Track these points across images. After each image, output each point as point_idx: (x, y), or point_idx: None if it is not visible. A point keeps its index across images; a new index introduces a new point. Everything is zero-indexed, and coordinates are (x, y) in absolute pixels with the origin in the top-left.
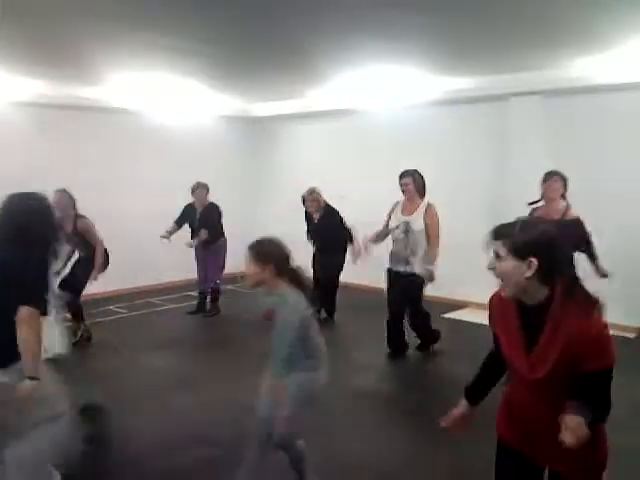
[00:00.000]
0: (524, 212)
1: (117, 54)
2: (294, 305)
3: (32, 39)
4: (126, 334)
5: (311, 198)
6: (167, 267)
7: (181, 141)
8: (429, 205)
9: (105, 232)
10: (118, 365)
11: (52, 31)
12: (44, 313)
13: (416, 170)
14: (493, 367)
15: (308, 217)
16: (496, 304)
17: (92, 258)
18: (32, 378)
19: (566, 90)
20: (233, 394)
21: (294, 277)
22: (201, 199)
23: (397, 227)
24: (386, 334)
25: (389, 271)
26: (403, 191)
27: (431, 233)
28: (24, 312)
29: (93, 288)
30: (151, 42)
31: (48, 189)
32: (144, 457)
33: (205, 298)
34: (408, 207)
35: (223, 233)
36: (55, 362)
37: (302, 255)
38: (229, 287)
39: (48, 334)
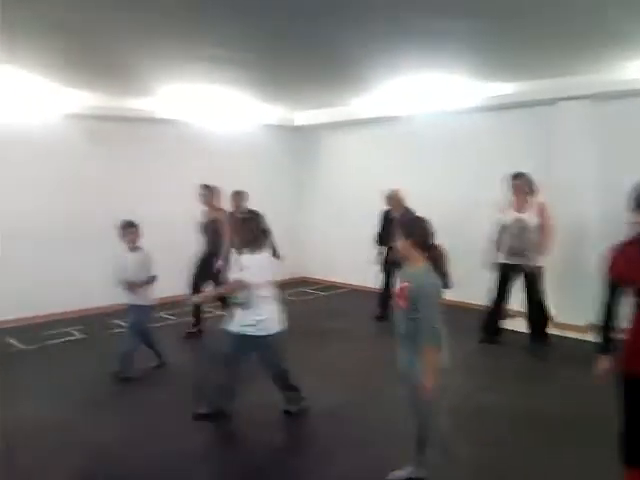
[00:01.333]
0: (571, 218)
1: (164, 66)
2: (434, 279)
3: (84, 53)
4: None
5: (395, 198)
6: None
7: (226, 150)
8: (541, 203)
9: (153, 239)
10: None
11: (102, 45)
12: None
13: (525, 173)
14: (612, 317)
15: (386, 218)
16: (617, 252)
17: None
18: None
19: (617, 94)
20: None
21: (433, 253)
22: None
23: (512, 223)
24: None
25: (502, 264)
26: (514, 191)
27: (545, 229)
28: None
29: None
30: (197, 53)
31: (99, 197)
32: None
33: None
34: (519, 205)
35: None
36: None
37: (354, 256)
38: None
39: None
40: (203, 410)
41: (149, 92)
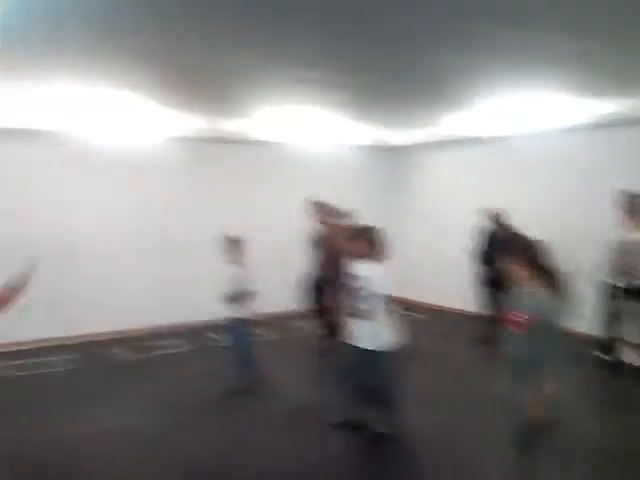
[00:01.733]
0: None
1: (261, 89)
2: (557, 304)
3: (185, 77)
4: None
5: (499, 217)
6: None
7: (320, 170)
8: None
9: (254, 256)
10: None
11: (204, 69)
12: None
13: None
14: None
15: (491, 238)
16: None
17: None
18: None
19: None
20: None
21: (548, 275)
22: None
23: (622, 243)
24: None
25: (610, 285)
26: (626, 209)
27: None
28: None
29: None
30: (292, 75)
31: (200, 215)
32: None
33: None
34: (631, 224)
35: None
36: None
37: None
38: None
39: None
40: (337, 419)
41: (246, 114)
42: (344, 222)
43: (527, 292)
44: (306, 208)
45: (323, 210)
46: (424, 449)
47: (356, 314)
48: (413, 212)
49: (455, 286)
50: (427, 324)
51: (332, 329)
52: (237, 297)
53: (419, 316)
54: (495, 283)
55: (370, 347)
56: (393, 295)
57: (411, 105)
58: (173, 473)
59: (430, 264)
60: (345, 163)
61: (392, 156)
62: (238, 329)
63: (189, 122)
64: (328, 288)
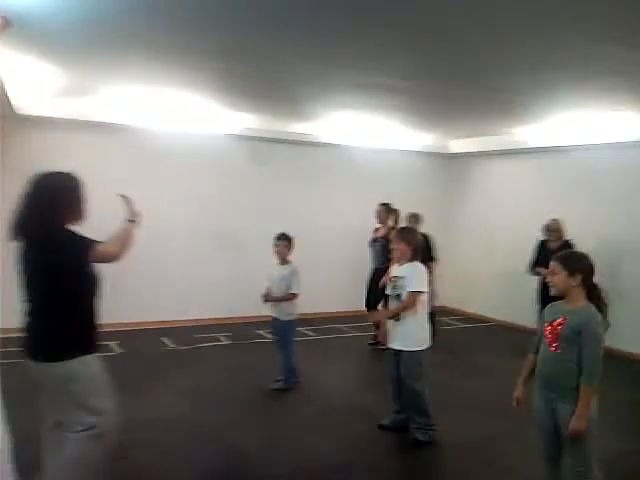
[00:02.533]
0: None
1: (325, 94)
2: (598, 318)
3: (256, 80)
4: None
5: (555, 228)
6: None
7: (377, 175)
8: None
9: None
10: None
11: (275, 73)
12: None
13: None
14: None
15: (543, 248)
16: None
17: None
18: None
19: None
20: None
21: (595, 292)
22: None
23: None
24: None
25: None
26: None
27: None
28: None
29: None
30: (355, 81)
31: (257, 213)
32: None
33: None
34: None
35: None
36: None
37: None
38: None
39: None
40: (385, 422)
41: (308, 118)
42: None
43: (569, 305)
44: (376, 211)
45: (387, 211)
46: (463, 458)
47: (392, 315)
48: (468, 220)
49: (506, 297)
50: (472, 334)
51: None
52: (285, 297)
53: (464, 325)
54: (550, 295)
55: (402, 348)
56: (442, 303)
57: (475, 113)
58: (211, 462)
59: (481, 274)
60: (403, 169)
61: (450, 163)
62: (284, 327)
63: (251, 122)
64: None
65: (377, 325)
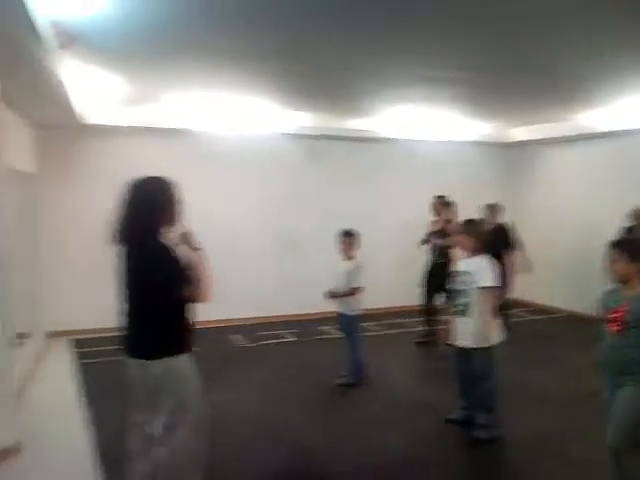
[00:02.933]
0: None
1: (382, 87)
2: None
3: (305, 77)
4: None
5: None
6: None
7: (435, 168)
8: None
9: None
10: None
11: (321, 69)
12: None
13: None
14: None
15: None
16: None
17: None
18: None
19: None
20: None
21: None
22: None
23: None
24: None
25: None
26: None
27: None
28: None
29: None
30: (413, 74)
31: (318, 211)
32: None
33: None
34: None
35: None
36: None
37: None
38: None
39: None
40: (453, 416)
41: (364, 113)
42: (488, 219)
43: (631, 291)
44: (431, 204)
45: (443, 205)
46: (531, 451)
47: (458, 311)
48: (532, 209)
49: (575, 288)
50: (542, 326)
51: (431, 326)
52: (349, 292)
53: (533, 317)
54: None
55: (473, 346)
56: (504, 295)
57: (535, 101)
58: (278, 459)
59: (549, 265)
60: (462, 160)
61: (510, 152)
62: (349, 322)
63: (308, 120)
64: (440, 284)
65: (429, 322)
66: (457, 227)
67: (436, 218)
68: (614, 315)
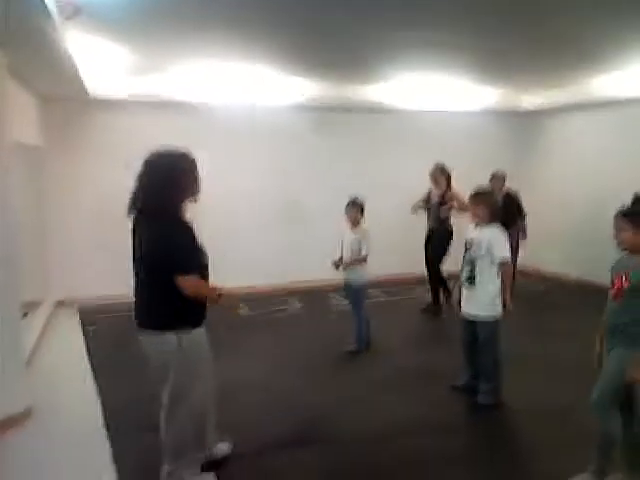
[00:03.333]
0: None
1: (391, 55)
2: None
3: (309, 45)
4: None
5: None
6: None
7: (444, 138)
8: None
9: (378, 223)
10: None
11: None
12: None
13: None
14: None
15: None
16: None
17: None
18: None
19: None
20: None
21: None
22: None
23: None
24: None
25: None
26: None
27: None
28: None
29: None
30: (423, 40)
31: (324, 180)
32: None
33: None
34: None
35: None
36: None
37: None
38: None
39: None
40: (458, 383)
41: (373, 82)
42: (495, 189)
43: (634, 257)
44: (432, 172)
45: (441, 174)
46: (534, 424)
47: (466, 280)
48: (543, 179)
49: (586, 257)
50: (553, 295)
51: (436, 294)
52: (356, 260)
53: (543, 287)
54: None
55: (479, 313)
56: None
57: (549, 66)
58: (283, 422)
59: (561, 234)
60: (471, 129)
61: (522, 121)
62: (355, 292)
63: (316, 90)
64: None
65: (434, 290)
66: (469, 197)
67: (434, 186)
68: (617, 281)
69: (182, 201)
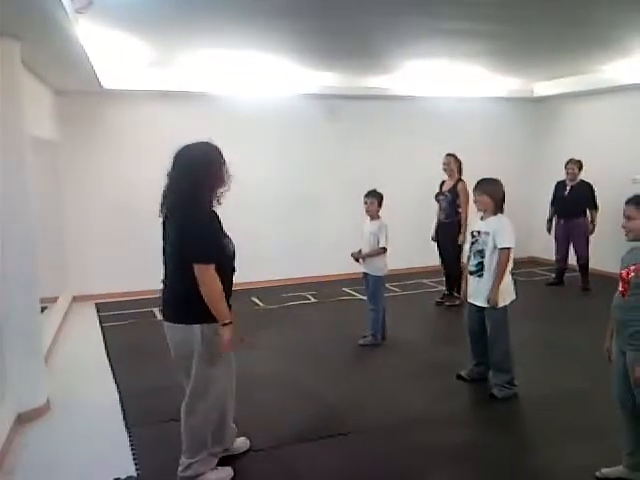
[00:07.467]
0: None
1: (402, 42)
2: None
3: (320, 34)
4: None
5: None
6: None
7: (458, 126)
8: None
9: (392, 212)
10: None
11: (348, 28)
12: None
13: None
14: None
15: None
16: None
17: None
18: (225, 324)
19: None
20: None
21: None
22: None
23: None
24: None
25: None
26: None
27: None
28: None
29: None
30: (434, 27)
31: (335, 171)
32: None
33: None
34: None
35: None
36: None
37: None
38: None
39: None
40: (462, 373)
41: (384, 70)
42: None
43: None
44: (444, 163)
45: (454, 163)
46: (544, 412)
47: (473, 270)
48: (552, 167)
49: (600, 244)
50: (565, 283)
51: (451, 286)
52: (374, 252)
53: (554, 275)
54: None
55: (484, 304)
56: (531, 254)
57: (563, 53)
58: (298, 413)
59: None
60: (485, 117)
61: (536, 107)
62: (373, 284)
63: (328, 79)
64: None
65: (448, 282)
66: (476, 187)
67: (448, 177)
68: (625, 274)
69: (213, 191)
